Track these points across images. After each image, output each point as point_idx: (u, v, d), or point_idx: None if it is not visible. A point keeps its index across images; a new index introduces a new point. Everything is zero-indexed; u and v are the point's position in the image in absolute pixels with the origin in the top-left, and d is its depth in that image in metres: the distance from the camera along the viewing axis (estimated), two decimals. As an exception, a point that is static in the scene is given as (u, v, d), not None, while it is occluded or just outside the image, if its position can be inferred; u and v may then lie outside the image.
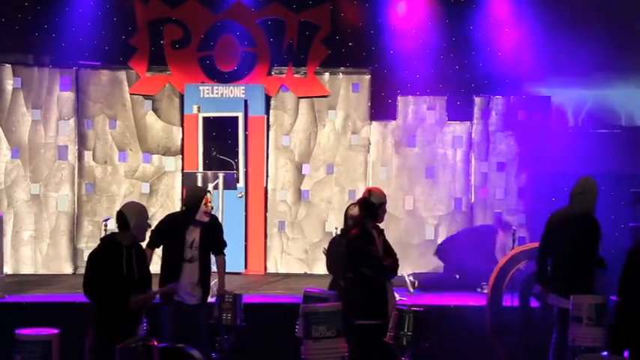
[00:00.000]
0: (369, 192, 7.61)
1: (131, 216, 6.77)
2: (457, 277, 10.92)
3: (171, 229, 7.88)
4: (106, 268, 6.68)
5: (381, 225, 7.62)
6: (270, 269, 12.10)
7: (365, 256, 7.36)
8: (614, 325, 5.87)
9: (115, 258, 6.72)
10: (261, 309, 9.26)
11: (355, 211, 7.91)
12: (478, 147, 11.99)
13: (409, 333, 6.84)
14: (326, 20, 12.23)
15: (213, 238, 7.99)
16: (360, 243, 7.40)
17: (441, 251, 11.46)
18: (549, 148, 11.50)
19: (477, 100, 12.01)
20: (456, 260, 11.18)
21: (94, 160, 12.22)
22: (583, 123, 11.78)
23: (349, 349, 6.88)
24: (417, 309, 6.98)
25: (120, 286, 6.64)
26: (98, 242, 6.99)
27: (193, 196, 7.99)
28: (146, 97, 12.28)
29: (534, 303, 8.76)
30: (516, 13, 11.70)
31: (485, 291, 9.61)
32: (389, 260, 7.46)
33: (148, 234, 7.37)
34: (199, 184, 10.47)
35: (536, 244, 8.88)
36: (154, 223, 7.72)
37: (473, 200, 11.96)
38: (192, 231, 7.84)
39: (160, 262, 7.97)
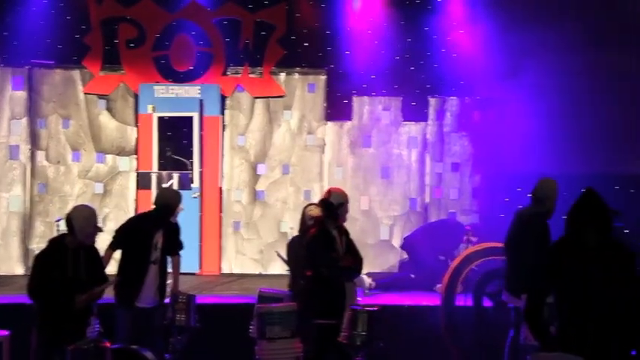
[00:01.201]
0: (330, 192, 7.62)
1: (76, 220, 6.71)
2: (412, 276, 10.95)
3: (140, 230, 7.81)
4: (50, 269, 6.62)
5: (339, 225, 7.63)
6: (225, 270, 12.06)
7: (323, 256, 7.37)
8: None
9: (60, 259, 6.66)
10: (216, 309, 9.22)
11: (314, 211, 7.92)
12: (433, 147, 12.05)
13: (363, 333, 6.85)
14: (282, 20, 12.21)
15: (174, 239, 7.96)
16: (319, 243, 7.40)
17: (405, 247, 11.47)
18: (503, 149, 11.59)
19: (432, 100, 12.08)
20: (415, 259, 11.20)
21: (46, 160, 12.10)
22: (536, 124, 11.87)
23: (307, 348, 6.89)
24: (371, 309, 6.99)
25: (64, 288, 6.58)
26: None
27: (172, 199, 7.95)
28: (100, 96, 12.18)
29: (487, 302, 8.82)
30: (471, 14, 11.78)
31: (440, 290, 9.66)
32: (350, 260, 7.47)
33: (109, 236, 7.32)
34: (154, 184, 10.42)
35: (489, 244, 8.96)
36: (108, 224, 7.67)
37: (427, 200, 12.03)
38: (157, 233, 7.80)
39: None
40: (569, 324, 5.58)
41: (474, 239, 10.66)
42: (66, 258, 6.67)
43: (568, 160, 11.27)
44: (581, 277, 5.54)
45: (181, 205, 7.97)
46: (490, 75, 11.48)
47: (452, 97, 12.03)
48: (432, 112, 12.07)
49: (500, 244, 8.21)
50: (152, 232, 7.75)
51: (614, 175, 11.05)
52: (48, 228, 11.61)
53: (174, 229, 7.98)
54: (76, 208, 6.91)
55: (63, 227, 8.98)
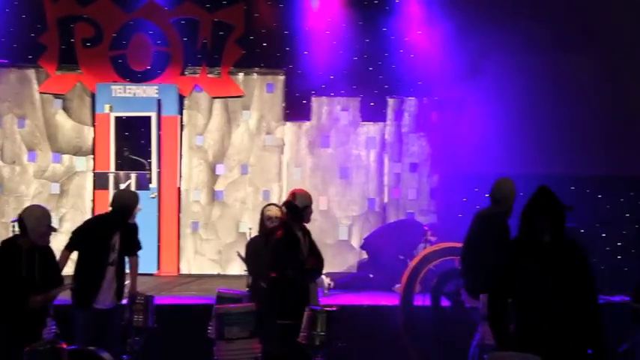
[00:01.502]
0: (294, 195, 7.61)
1: (28, 220, 6.63)
2: (371, 276, 10.97)
3: (97, 231, 7.74)
4: (3, 269, 6.55)
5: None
6: (183, 270, 12.00)
7: (290, 258, 7.36)
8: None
9: (13, 260, 6.58)
10: (174, 310, 9.17)
11: (272, 211, 7.91)
12: (391, 148, 12.09)
13: (322, 333, 6.84)
14: (240, 20, 12.19)
15: (132, 240, 7.90)
16: (285, 245, 7.39)
17: (364, 247, 11.50)
18: (461, 149, 11.65)
19: (390, 101, 12.11)
20: (374, 259, 11.23)
21: (1, 160, 11.96)
22: (494, 124, 11.94)
23: (267, 349, 6.87)
24: (330, 309, 6.99)
25: (18, 288, 6.51)
26: (2, 244, 6.87)
27: (129, 200, 7.88)
28: (56, 96, 12.08)
29: (445, 302, 8.87)
30: (429, 15, 11.83)
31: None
32: (313, 261, 7.48)
33: (66, 237, 7.24)
34: (111, 184, 10.33)
35: (447, 244, 9.00)
36: (65, 225, 7.60)
37: (386, 201, 12.06)
38: (115, 234, 7.73)
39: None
40: (525, 323, 5.62)
41: (432, 239, 10.70)
42: (20, 259, 6.59)
43: (526, 161, 11.34)
44: (536, 276, 5.58)
45: (139, 206, 7.91)
46: (448, 76, 11.54)
47: (410, 98, 12.07)
48: (390, 112, 12.11)
49: (458, 244, 8.25)
50: (110, 234, 7.69)
51: (570, 175, 11.17)
52: (4, 228, 11.48)
53: (132, 230, 7.92)
54: (28, 208, 6.83)
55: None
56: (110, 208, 7.97)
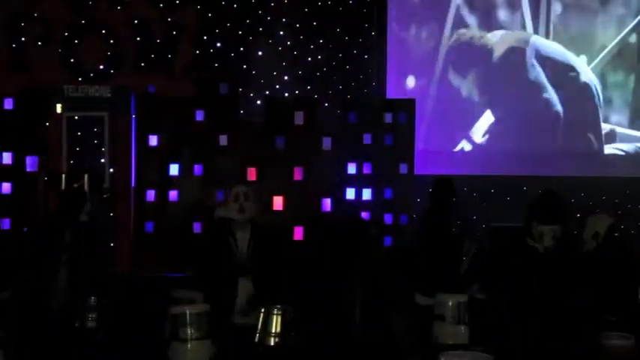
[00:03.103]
0: None
1: None
2: None
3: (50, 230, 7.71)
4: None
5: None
6: (138, 270, 11.91)
7: None
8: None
9: None
10: (129, 311, 9.12)
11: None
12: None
13: (277, 332, 6.87)
14: (194, 20, 12.17)
15: (85, 239, 7.88)
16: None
17: None
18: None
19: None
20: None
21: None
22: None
23: (220, 349, 6.88)
24: (285, 308, 7.02)
25: None
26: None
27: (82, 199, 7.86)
28: (6, 95, 11.95)
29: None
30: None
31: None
32: None
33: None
34: (63, 184, 10.25)
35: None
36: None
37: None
38: (67, 233, 7.70)
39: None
40: (512, 324, 5.70)
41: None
42: None
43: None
44: (526, 279, 5.66)
45: (88, 205, 7.87)
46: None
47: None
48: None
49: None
50: (62, 233, 7.66)
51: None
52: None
53: (87, 229, 7.88)
54: None
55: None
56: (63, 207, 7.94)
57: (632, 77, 13.08)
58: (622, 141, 13.01)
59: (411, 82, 12.65)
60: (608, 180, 12.50)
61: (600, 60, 13.00)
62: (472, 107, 12.77)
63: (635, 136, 13.03)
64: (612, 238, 7.32)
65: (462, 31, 12.83)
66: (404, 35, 12.76)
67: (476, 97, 12.78)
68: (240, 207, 7.52)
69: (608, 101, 13.05)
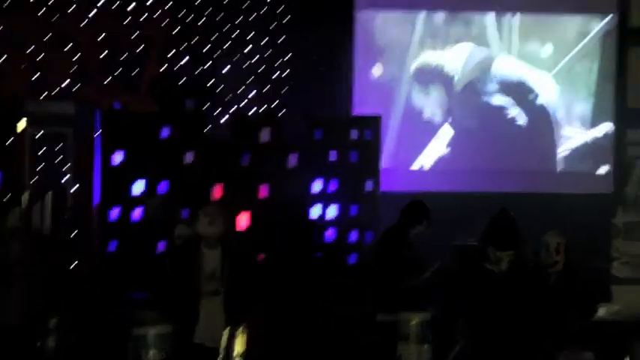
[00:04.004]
0: None
1: None
2: None
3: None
4: None
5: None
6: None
7: None
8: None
9: None
10: (92, 331, 9.04)
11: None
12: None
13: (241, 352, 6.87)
14: (161, 36, 12.15)
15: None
16: None
17: None
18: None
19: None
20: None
21: None
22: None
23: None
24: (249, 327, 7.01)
25: None
26: None
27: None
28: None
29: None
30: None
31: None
32: None
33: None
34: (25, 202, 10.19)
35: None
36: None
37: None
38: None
39: None
40: (476, 338, 5.72)
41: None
42: None
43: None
44: (487, 297, 5.69)
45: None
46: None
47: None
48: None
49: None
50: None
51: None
52: None
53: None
54: None
55: None
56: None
57: (592, 100, 13.22)
58: (577, 158, 13.16)
59: (376, 98, 12.69)
60: (563, 197, 12.62)
61: (559, 75, 13.13)
62: (434, 125, 12.84)
63: (591, 153, 13.16)
64: (568, 257, 7.39)
65: (427, 53, 12.91)
66: (370, 52, 12.80)
67: (438, 116, 12.85)
68: (210, 220, 7.41)
69: (565, 120, 13.19)
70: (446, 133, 12.86)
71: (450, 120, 12.87)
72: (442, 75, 12.86)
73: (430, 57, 12.90)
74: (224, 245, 7.47)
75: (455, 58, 12.91)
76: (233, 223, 10.95)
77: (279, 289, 10.00)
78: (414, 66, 12.88)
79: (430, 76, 12.84)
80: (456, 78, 12.91)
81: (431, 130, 12.85)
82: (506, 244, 6.01)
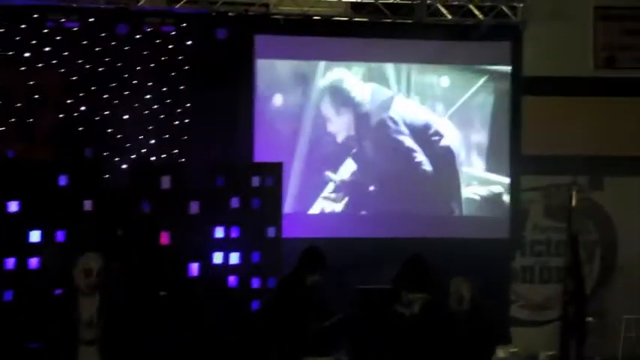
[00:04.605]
0: None
1: None
2: None
3: None
4: None
5: None
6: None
7: None
8: None
9: None
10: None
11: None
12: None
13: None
14: (57, 84, 11.97)
15: None
16: None
17: None
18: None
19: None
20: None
21: None
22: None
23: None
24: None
25: None
26: None
27: None
28: None
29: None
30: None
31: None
32: None
33: None
34: None
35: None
36: None
37: None
38: None
39: None
40: None
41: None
42: None
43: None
44: (396, 339, 5.71)
45: None
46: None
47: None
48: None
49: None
50: None
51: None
52: None
53: None
54: None
55: None
56: None
57: (488, 148, 13.52)
58: (476, 204, 13.40)
59: (278, 143, 12.74)
60: (463, 242, 12.80)
61: (455, 119, 13.39)
62: (337, 169, 12.93)
63: (489, 199, 13.43)
64: (473, 301, 7.51)
65: (329, 95, 13.05)
66: (271, 97, 12.86)
67: (343, 159, 12.96)
68: (86, 271, 7.27)
69: (466, 164, 13.45)
70: (348, 176, 12.97)
71: (353, 162, 12.94)
72: (344, 116, 12.99)
73: (334, 99, 13.03)
74: (101, 293, 7.32)
75: (360, 99, 13.06)
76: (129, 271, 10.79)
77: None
78: (313, 110, 12.97)
79: (334, 115, 12.95)
80: (360, 117, 13.05)
81: (333, 172, 12.91)
82: (418, 287, 6.08)
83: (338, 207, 12.97)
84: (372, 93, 13.12)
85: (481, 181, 13.43)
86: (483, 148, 13.45)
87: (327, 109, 13.04)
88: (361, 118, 13.07)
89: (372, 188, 13.03)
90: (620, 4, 13.99)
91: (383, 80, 13.19)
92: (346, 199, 12.98)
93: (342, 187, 12.97)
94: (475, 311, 7.51)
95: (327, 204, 12.91)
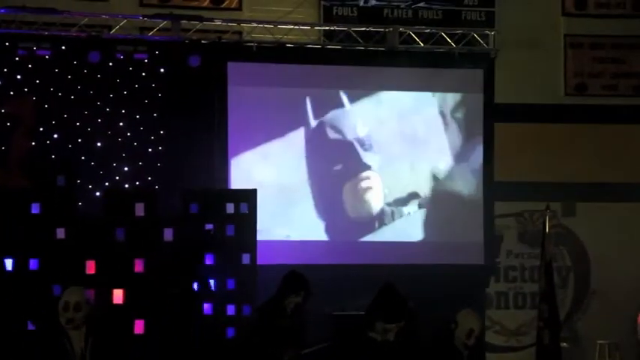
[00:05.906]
0: None
1: None
2: None
3: None
4: None
5: None
6: None
7: None
8: None
9: None
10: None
11: None
12: None
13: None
14: (29, 112, 11.92)
15: None
16: None
17: None
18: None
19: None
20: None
21: None
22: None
23: None
24: None
25: None
26: None
27: None
28: None
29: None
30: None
31: None
32: None
33: None
34: None
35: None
36: None
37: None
38: None
39: None
40: None
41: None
42: None
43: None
44: None
45: None
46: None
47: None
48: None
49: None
50: None
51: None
52: None
53: None
54: None
55: None
56: None
57: (461, 174, 13.58)
58: (449, 229, 13.42)
59: (253, 170, 12.73)
60: (437, 267, 12.84)
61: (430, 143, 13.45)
62: (306, 195, 12.95)
63: (463, 224, 13.40)
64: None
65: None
66: (245, 125, 12.86)
67: (307, 186, 12.96)
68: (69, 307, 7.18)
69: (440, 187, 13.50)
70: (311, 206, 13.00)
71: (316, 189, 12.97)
72: (316, 143, 13.00)
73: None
74: (89, 324, 7.24)
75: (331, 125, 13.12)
76: (104, 300, 10.68)
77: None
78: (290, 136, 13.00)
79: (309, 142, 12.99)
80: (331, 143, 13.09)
81: (305, 199, 12.92)
82: (394, 317, 6.06)
83: (313, 234, 12.95)
84: (338, 119, 13.13)
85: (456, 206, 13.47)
86: (457, 175, 13.49)
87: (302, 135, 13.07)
88: (333, 143, 13.09)
89: (346, 214, 13.04)
90: (591, 32, 14.16)
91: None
92: (323, 224, 12.99)
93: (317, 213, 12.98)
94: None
95: (299, 229, 12.90)
